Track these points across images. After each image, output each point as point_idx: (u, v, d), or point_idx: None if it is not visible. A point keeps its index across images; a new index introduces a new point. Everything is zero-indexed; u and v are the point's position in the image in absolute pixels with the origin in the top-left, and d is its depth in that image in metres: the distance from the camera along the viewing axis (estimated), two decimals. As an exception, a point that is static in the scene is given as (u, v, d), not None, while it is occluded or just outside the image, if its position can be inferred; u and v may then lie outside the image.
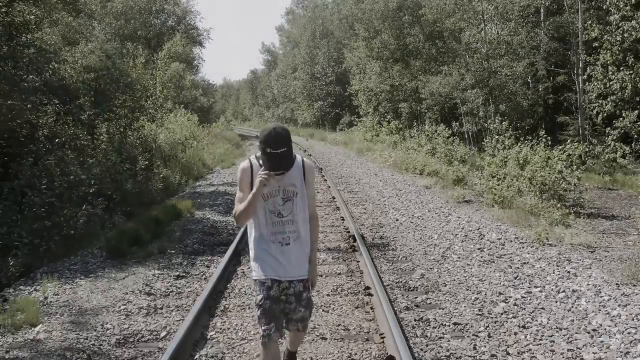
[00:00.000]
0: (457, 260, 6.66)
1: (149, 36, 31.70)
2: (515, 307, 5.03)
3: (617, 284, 5.30)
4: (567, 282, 5.52)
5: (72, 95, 11.30)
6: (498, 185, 10.01)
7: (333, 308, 5.16)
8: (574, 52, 19.07)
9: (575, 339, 4.26)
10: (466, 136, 23.28)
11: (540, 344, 4.24)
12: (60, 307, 5.27)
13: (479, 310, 5.01)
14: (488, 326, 4.64)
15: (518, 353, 4.14)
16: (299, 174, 3.13)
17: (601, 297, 5.02)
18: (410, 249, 7.35)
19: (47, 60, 9.95)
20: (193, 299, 5.50)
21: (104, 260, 7.04)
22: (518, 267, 6.18)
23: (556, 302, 5.06)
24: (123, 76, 12.91)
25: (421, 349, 4.22)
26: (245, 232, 3.34)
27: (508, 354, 4.14)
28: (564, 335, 4.36)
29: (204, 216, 10.07)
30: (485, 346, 4.26)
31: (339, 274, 6.27)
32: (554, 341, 4.26)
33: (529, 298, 5.22)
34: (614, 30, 13.65)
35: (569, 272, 5.81)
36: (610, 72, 13.81)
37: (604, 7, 15.32)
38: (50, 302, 5.42)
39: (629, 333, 4.25)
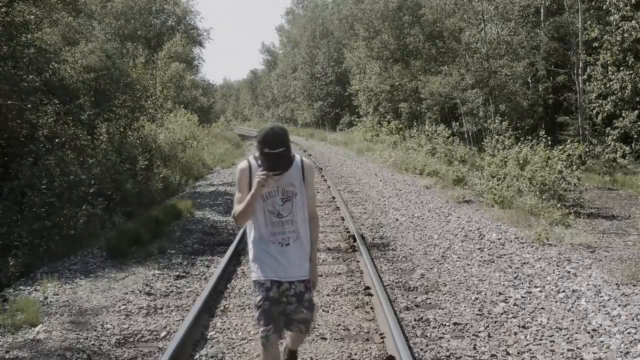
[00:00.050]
0: (457, 260, 6.65)
1: (149, 36, 31.70)
2: (515, 307, 5.03)
3: (617, 284, 5.30)
4: (567, 282, 5.52)
5: (72, 95, 11.30)
6: (498, 185, 10.01)
7: (333, 308, 5.16)
8: (574, 52, 19.07)
9: (575, 339, 4.26)
10: (466, 136, 23.28)
11: (540, 344, 4.24)
12: (60, 307, 5.27)
13: (479, 310, 5.01)
14: (488, 326, 4.64)
15: (518, 353, 4.14)
16: (298, 174, 3.10)
17: (601, 297, 5.02)
18: (410, 249, 7.35)
19: (47, 60, 9.96)
20: (193, 299, 5.50)
21: (104, 260, 7.04)
22: (518, 267, 6.18)
23: (556, 302, 5.06)
24: (123, 76, 12.92)
25: (421, 349, 4.22)
26: (245, 231, 3.33)
27: (508, 354, 4.14)
28: (564, 335, 4.36)
29: (204, 216, 10.08)
30: (485, 346, 4.26)
31: (339, 274, 6.27)
32: (554, 341, 4.26)
33: (529, 298, 5.22)
34: (614, 30, 13.65)
35: (569, 272, 5.81)
36: (610, 72, 13.81)
37: (604, 7, 15.32)
38: (50, 302, 5.42)
39: (629, 333, 4.25)
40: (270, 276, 3.06)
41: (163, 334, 4.66)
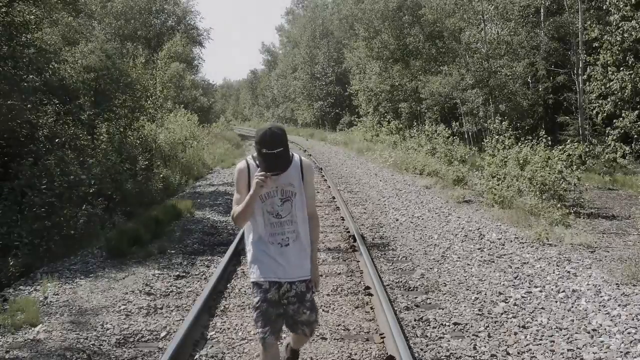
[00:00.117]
0: (457, 260, 6.65)
1: (149, 36, 31.70)
2: (515, 307, 5.03)
3: (617, 284, 5.30)
4: (567, 282, 5.52)
5: (72, 95, 11.30)
6: (498, 185, 10.01)
7: (333, 308, 5.16)
8: (574, 52, 19.07)
9: (575, 339, 4.26)
10: (466, 136, 23.28)
11: (540, 344, 4.24)
12: (60, 307, 5.27)
13: (479, 310, 5.01)
14: (488, 326, 4.64)
15: (518, 353, 4.14)
16: (297, 174, 3.06)
17: (601, 297, 5.02)
18: (410, 249, 7.35)
19: (47, 60, 9.96)
20: (193, 299, 5.50)
21: (104, 260, 7.05)
22: (518, 267, 6.18)
23: (556, 302, 5.06)
24: (123, 76, 12.92)
25: (421, 349, 4.22)
26: (244, 232, 3.31)
27: (508, 354, 4.14)
28: (564, 335, 4.36)
29: (204, 216, 10.08)
30: (485, 346, 4.26)
31: (339, 273, 6.27)
32: (554, 341, 4.26)
33: (529, 298, 5.22)
34: (614, 30, 13.65)
35: (569, 272, 5.81)
36: (610, 72, 13.82)
37: (604, 7, 15.32)
38: (50, 302, 5.42)
39: (629, 333, 4.25)
40: (269, 277, 3.02)
41: (163, 334, 4.66)
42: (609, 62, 13.90)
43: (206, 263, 6.98)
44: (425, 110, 25.90)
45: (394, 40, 27.40)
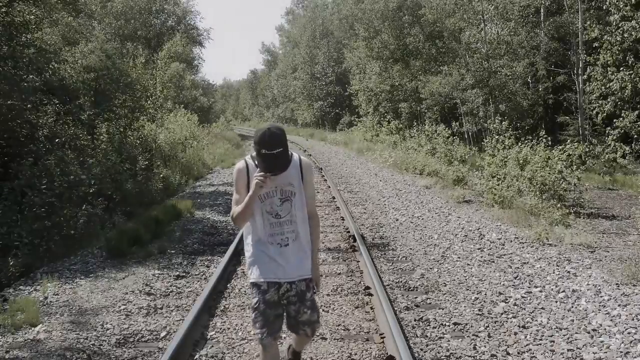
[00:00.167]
0: (457, 260, 6.65)
1: (149, 36, 31.70)
2: (515, 307, 5.03)
3: (617, 284, 5.30)
4: (567, 282, 5.52)
5: (72, 95, 11.30)
6: (498, 185, 10.01)
7: (333, 308, 5.16)
8: (574, 52, 19.08)
9: (575, 339, 4.26)
10: (466, 136, 23.29)
11: (540, 344, 4.24)
12: (60, 307, 5.27)
13: (479, 310, 5.01)
14: (488, 326, 4.64)
15: (518, 353, 4.14)
16: (297, 173, 3.04)
17: (601, 297, 5.02)
18: (410, 249, 7.35)
19: (47, 60, 9.96)
20: (193, 299, 5.50)
21: (104, 260, 7.05)
22: (518, 267, 6.18)
23: (556, 302, 5.06)
24: (123, 76, 12.93)
25: (421, 349, 4.22)
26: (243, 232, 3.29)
27: (508, 354, 4.14)
28: (564, 335, 4.36)
29: (204, 216, 10.08)
30: (485, 346, 4.26)
31: (339, 273, 6.27)
32: (554, 341, 4.26)
33: (529, 298, 5.22)
34: (614, 30, 13.65)
35: (569, 272, 5.81)
36: (610, 73, 13.82)
37: (604, 7, 15.32)
38: (50, 302, 5.42)
39: (629, 333, 4.25)
40: (269, 278, 3.00)
41: (163, 334, 4.66)
42: (609, 62, 13.90)
43: (206, 263, 6.98)
44: (425, 110, 25.90)
45: (394, 40, 27.41)
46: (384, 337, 4.37)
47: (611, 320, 4.52)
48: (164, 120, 18.85)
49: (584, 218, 8.86)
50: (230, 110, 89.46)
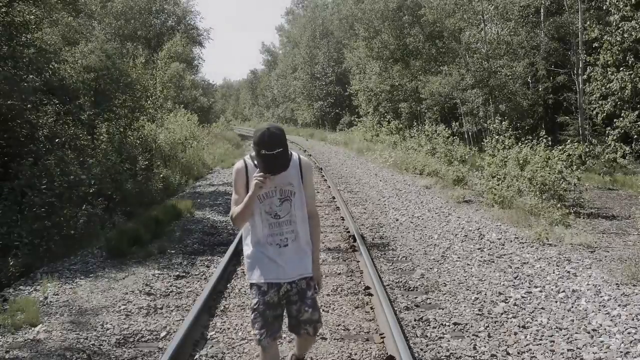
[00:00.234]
0: (457, 260, 6.65)
1: (149, 36, 31.70)
2: (515, 307, 5.03)
3: (617, 284, 5.30)
4: (567, 282, 5.52)
5: (72, 95, 11.31)
6: (498, 185, 10.01)
7: (333, 308, 5.16)
8: (574, 52, 19.08)
9: (575, 339, 4.26)
10: (466, 136, 23.29)
11: (540, 344, 4.24)
12: (60, 307, 5.27)
13: (479, 310, 5.01)
14: (488, 326, 4.64)
15: (518, 353, 4.14)
16: (296, 173, 3.01)
17: (601, 297, 5.02)
18: (410, 249, 7.35)
19: (47, 60, 9.97)
20: (193, 299, 5.50)
21: (104, 260, 7.05)
22: (518, 267, 6.18)
23: (556, 302, 5.06)
24: (123, 76, 12.93)
25: (421, 349, 4.22)
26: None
27: (508, 354, 4.14)
28: (564, 335, 4.36)
29: (204, 216, 10.08)
30: (485, 346, 4.26)
31: (339, 273, 6.27)
32: (554, 341, 4.26)
33: (529, 298, 5.22)
34: (614, 30, 13.65)
35: (569, 272, 5.81)
36: (610, 73, 13.82)
37: (604, 7, 15.33)
38: (50, 302, 5.42)
39: (629, 333, 4.26)
40: (269, 278, 2.98)
41: (163, 334, 4.66)
42: (609, 62, 13.90)
43: (206, 263, 6.98)
44: (425, 110, 25.91)
45: (394, 40, 27.42)
46: (384, 337, 4.37)
47: (611, 320, 4.52)
48: (164, 120, 18.86)
49: (584, 218, 8.86)
50: (230, 110, 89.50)
